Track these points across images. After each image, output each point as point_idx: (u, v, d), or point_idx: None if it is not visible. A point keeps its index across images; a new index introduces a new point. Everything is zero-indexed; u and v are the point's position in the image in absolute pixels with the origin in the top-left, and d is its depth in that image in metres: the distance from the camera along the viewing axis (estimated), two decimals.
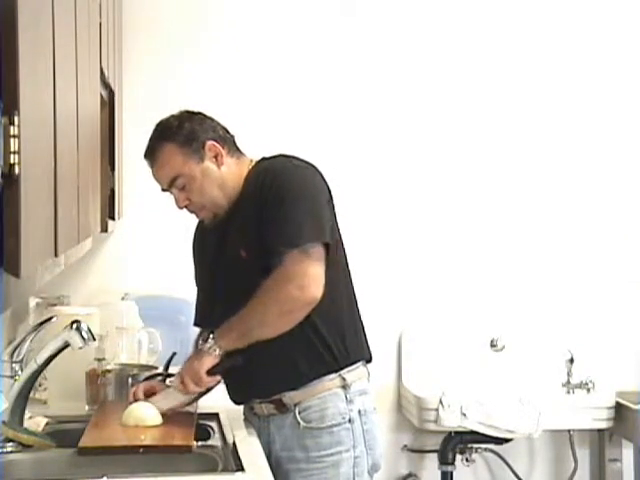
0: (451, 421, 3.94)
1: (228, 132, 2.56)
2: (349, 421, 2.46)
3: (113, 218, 3.38)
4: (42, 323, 2.62)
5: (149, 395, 2.54)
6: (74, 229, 1.99)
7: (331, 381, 2.46)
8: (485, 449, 4.18)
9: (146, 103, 3.89)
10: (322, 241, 2.40)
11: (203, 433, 2.54)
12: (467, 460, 4.17)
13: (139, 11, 4.02)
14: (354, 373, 2.50)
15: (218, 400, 2.60)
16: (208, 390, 2.51)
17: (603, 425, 4.10)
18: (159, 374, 2.71)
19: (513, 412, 3.93)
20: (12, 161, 1.26)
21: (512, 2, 4.30)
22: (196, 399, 2.54)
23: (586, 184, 4.33)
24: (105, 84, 3.05)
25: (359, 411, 2.48)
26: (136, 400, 2.53)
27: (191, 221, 2.66)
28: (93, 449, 2.34)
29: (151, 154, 2.51)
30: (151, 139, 2.53)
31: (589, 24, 4.32)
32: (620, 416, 4.05)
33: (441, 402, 3.91)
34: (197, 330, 2.71)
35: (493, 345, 4.24)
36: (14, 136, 1.26)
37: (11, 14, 1.24)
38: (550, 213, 4.32)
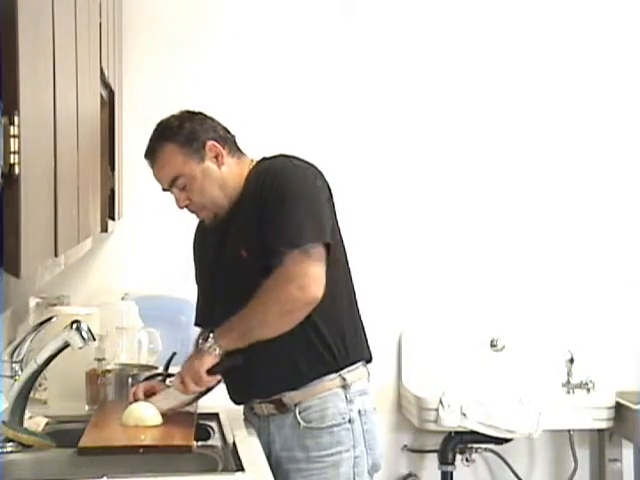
0: (451, 421, 3.93)
1: (229, 132, 2.56)
2: (349, 421, 2.46)
3: (113, 218, 3.38)
4: (42, 323, 2.62)
5: (149, 395, 2.54)
6: (74, 229, 1.99)
7: (331, 381, 2.46)
8: (485, 449, 4.18)
9: (146, 103, 3.89)
10: (323, 241, 2.39)
11: (203, 433, 2.54)
12: (467, 460, 4.17)
13: (139, 11, 4.02)
14: (354, 373, 2.49)
15: (218, 400, 2.60)
16: (208, 390, 2.51)
17: (603, 425, 4.10)
18: (159, 374, 2.71)
19: (513, 412, 3.93)
20: (12, 161, 1.26)
21: (512, 2, 4.30)
22: (196, 399, 2.54)
23: (586, 184, 4.33)
24: (105, 84, 3.05)
25: (359, 411, 2.48)
26: (136, 400, 2.53)
27: (191, 221, 2.66)
28: (93, 449, 2.34)
29: (152, 154, 2.51)
30: (152, 139, 2.53)
31: (589, 24, 4.32)
32: (620, 416, 4.05)
33: (441, 402, 3.91)
34: (198, 330, 2.70)
35: (493, 345, 4.24)
36: (14, 136, 1.25)
37: (11, 14, 1.24)
38: (550, 213, 4.32)
